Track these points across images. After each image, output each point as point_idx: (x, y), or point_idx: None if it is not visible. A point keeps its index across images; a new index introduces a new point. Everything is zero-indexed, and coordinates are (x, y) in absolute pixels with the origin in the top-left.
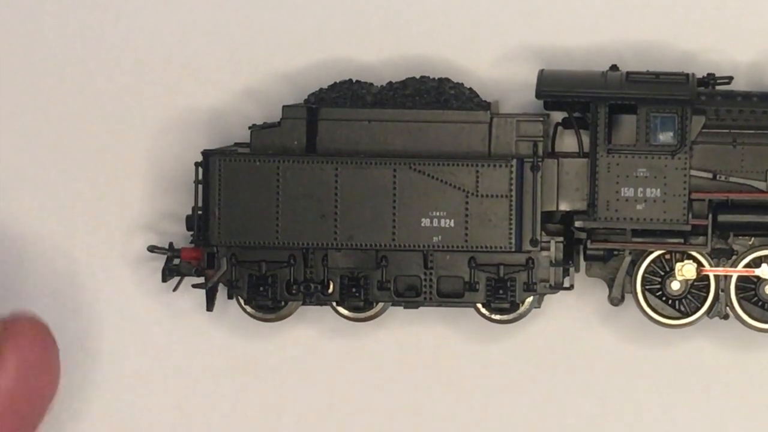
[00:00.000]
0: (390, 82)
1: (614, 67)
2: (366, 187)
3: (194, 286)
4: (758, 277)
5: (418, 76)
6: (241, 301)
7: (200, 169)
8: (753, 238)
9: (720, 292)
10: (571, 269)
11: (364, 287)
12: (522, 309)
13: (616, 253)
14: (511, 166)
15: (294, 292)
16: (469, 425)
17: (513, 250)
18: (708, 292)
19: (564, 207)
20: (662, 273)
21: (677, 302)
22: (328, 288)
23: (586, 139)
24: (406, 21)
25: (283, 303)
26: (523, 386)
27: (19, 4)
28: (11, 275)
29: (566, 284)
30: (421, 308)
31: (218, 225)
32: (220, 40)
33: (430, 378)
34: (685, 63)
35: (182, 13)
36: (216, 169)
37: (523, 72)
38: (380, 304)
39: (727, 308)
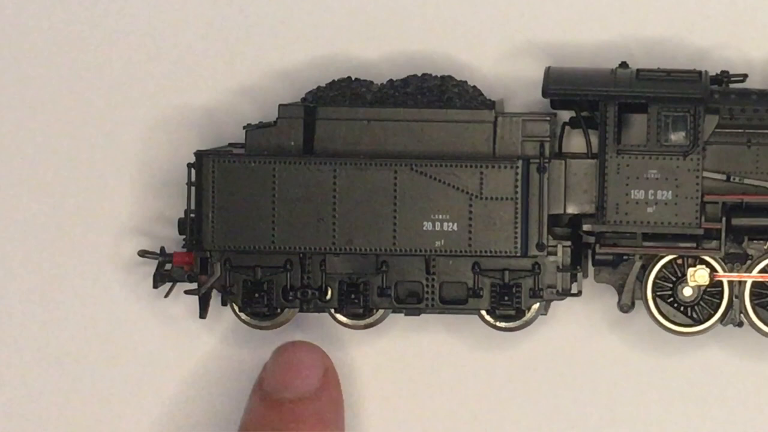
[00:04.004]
0: (390, 80)
1: (624, 64)
2: (365, 190)
3: (187, 292)
4: None
5: (419, 74)
6: (236, 308)
7: (193, 171)
8: None
9: (734, 299)
10: (579, 275)
11: (364, 293)
12: (528, 316)
13: (625, 257)
14: (517, 167)
15: (290, 298)
16: None
17: (518, 254)
18: (721, 299)
19: (572, 210)
20: (674, 278)
21: (689, 309)
22: (326, 294)
23: (594, 139)
24: (407, 16)
25: (279, 310)
26: (529, 396)
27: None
28: None
29: (574, 290)
30: (422, 315)
31: (212, 228)
32: (213, 35)
33: (432, 387)
34: (697, 60)
35: (174, 7)
36: (209, 170)
37: (529, 69)
38: (380, 311)
39: (742, 315)
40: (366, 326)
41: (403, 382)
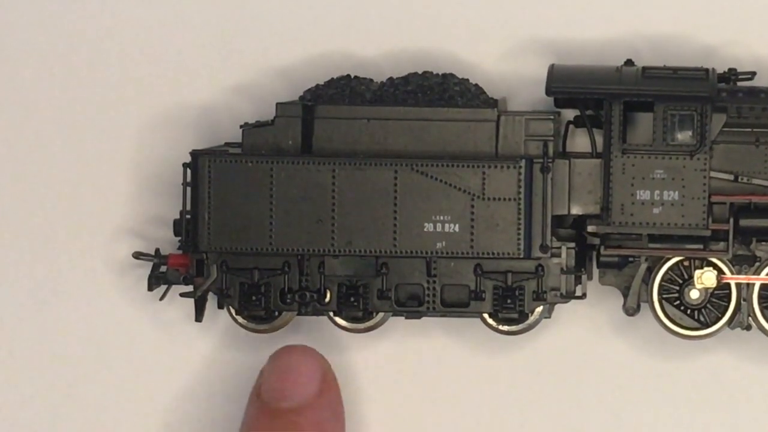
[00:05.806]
0: (391, 78)
1: (629, 62)
2: (365, 190)
3: (182, 295)
4: None
5: (420, 72)
6: (233, 311)
7: (188, 171)
8: None
9: (742, 301)
10: (584, 277)
11: (363, 296)
12: (531, 319)
13: (631, 259)
14: (520, 167)
15: (289, 301)
16: None
17: (522, 256)
18: (729, 301)
19: (576, 211)
20: (680, 281)
21: (696, 312)
22: (325, 297)
23: (599, 139)
24: (408, 13)
25: (276, 313)
26: (533, 401)
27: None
28: None
29: (578, 293)
30: (423, 318)
31: (208, 230)
32: (210, 32)
33: (434, 392)
34: (704, 57)
35: (170, 4)
36: (205, 170)
37: (532, 67)
38: (380, 314)
39: (750, 318)
40: (366, 330)
41: (404, 387)
